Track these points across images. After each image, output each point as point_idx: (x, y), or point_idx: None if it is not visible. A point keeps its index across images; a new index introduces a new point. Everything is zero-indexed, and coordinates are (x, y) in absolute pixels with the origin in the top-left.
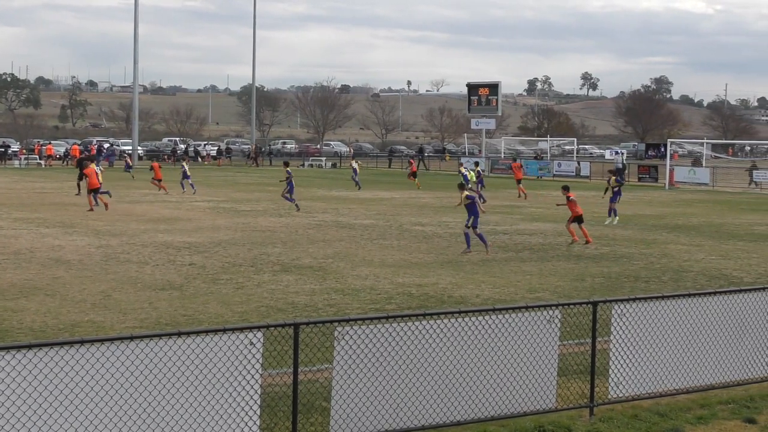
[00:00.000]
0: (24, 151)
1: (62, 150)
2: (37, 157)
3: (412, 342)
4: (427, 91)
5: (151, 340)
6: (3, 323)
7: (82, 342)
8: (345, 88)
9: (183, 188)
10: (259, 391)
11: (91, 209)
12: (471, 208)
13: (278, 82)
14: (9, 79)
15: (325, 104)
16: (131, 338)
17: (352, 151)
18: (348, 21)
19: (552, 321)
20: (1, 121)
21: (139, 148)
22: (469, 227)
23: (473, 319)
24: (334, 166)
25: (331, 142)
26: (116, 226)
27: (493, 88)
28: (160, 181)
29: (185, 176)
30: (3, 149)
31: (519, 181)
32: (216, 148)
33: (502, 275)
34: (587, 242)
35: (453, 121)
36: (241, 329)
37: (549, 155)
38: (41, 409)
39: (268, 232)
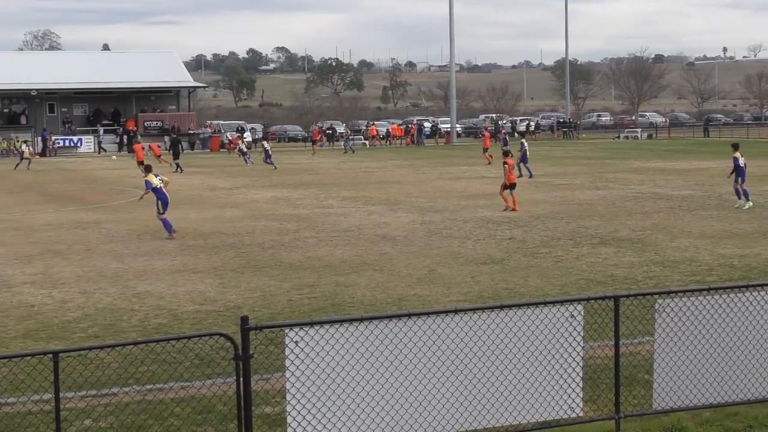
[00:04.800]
0: (349, 132)
1: (384, 130)
2: (362, 137)
3: (735, 314)
4: (743, 57)
5: (474, 313)
6: (336, 297)
7: (409, 315)
8: (659, 58)
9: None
10: (581, 364)
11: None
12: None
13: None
14: (334, 64)
15: (639, 75)
16: (455, 311)
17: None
18: None
19: None
20: (328, 104)
21: (457, 125)
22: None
23: None
24: (650, 137)
25: (647, 113)
26: (438, 203)
27: None
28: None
29: (267, 155)
30: (330, 131)
31: (485, 150)
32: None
33: None
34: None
35: None
36: (562, 302)
37: None
38: (373, 380)
39: (585, 205)
